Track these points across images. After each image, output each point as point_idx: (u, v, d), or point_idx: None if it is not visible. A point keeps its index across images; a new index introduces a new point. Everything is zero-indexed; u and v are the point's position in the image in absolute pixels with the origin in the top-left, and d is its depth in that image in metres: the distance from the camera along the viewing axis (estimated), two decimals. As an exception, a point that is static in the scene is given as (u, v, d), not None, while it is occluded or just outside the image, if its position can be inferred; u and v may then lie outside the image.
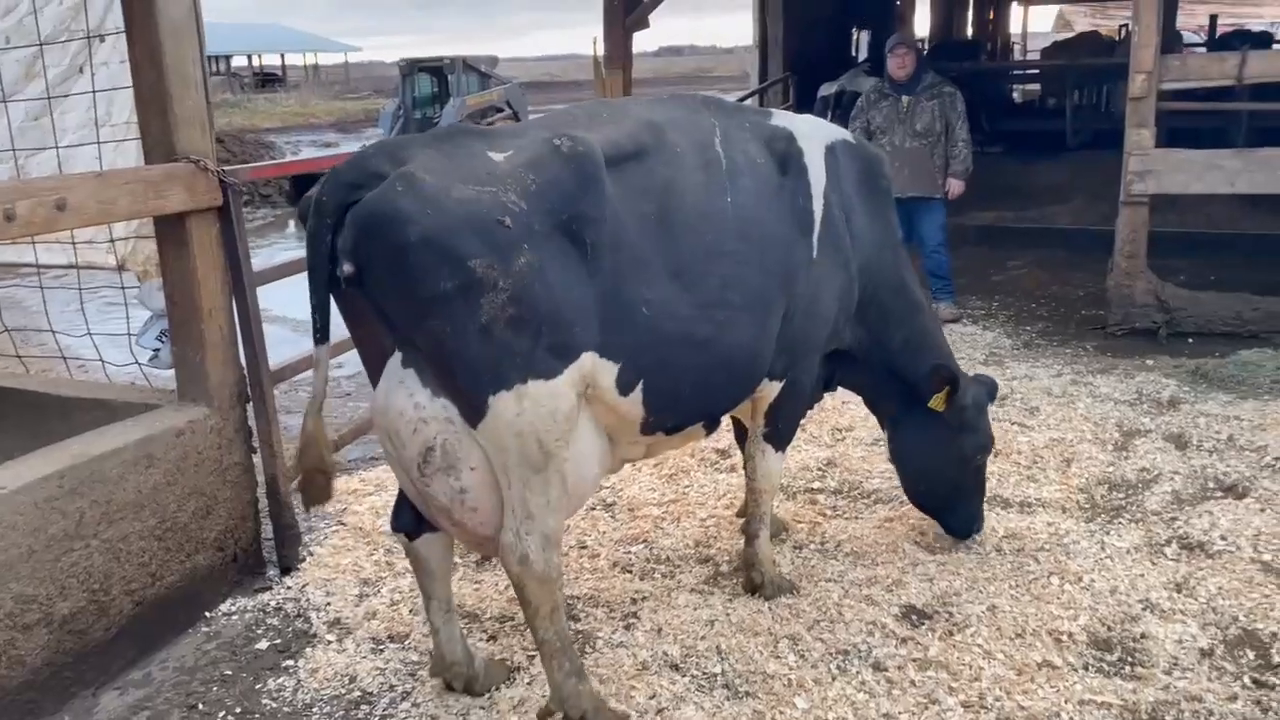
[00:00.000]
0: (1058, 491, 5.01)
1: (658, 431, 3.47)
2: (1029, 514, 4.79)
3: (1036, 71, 20.67)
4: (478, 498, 3.07)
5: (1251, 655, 3.66)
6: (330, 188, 2.88)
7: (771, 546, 4.30)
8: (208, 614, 4.22)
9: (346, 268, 2.85)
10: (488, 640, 3.95)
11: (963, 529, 4.48)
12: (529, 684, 3.65)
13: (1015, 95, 20.90)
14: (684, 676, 3.64)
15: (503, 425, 2.93)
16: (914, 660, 3.65)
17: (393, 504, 3.55)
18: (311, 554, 4.66)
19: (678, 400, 3.42)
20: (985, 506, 4.86)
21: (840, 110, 11.05)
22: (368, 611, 4.16)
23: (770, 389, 3.84)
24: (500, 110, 22.67)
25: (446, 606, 3.53)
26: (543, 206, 2.92)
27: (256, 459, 4.47)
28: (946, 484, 4.38)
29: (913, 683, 3.54)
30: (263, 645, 4.00)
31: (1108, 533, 4.57)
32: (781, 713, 3.39)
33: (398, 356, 3.04)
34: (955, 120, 8.06)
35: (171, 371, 4.36)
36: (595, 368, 3.08)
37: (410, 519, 3.41)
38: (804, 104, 11.87)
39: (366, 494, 5.30)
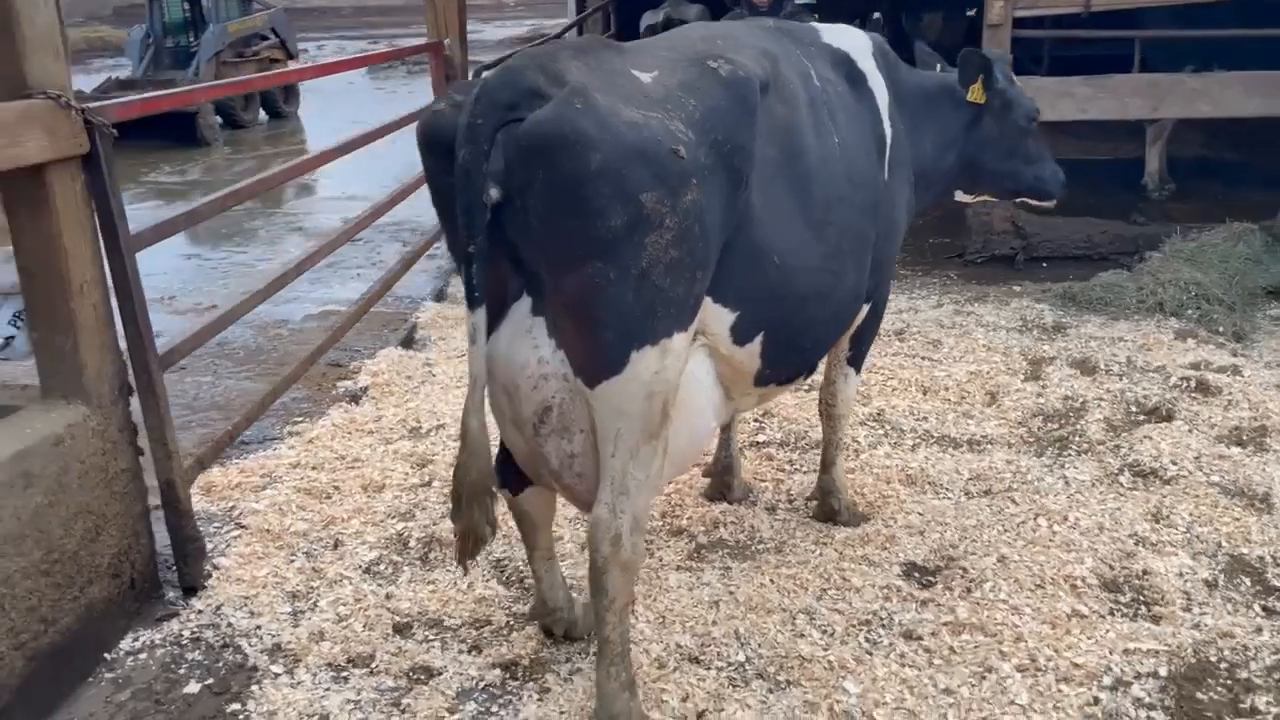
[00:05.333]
0: (998, 427, 4.95)
1: (771, 383, 3.25)
2: (982, 453, 4.69)
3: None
4: (585, 464, 2.81)
5: (1249, 582, 3.68)
6: (484, 108, 2.49)
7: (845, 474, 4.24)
8: (107, 655, 3.45)
9: (493, 193, 2.50)
10: (469, 651, 3.43)
11: (1057, 186, 4.22)
12: (540, 700, 3.18)
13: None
14: (710, 670, 3.29)
15: (636, 385, 2.63)
16: (945, 624, 3.44)
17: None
18: (216, 567, 3.92)
19: (798, 353, 3.27)
20: (939, 447, 4.77)
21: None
22: (312, 632, 3.53)
23: (860, 314, 3.70)
24: (265, 38, 20.65)
25: (549, 554, 3.36)
26: (707, 136, 2.62)
27: (143, 461, 3.69)
28: (1028, 159, 4.14)
29: (952, 650, 3.33)
30: (192, 688, 3.30)
31: (1064, 466, 4.54)
32: (838, 701, 3.09)
33: (525, 302, 2.72)
34: None
35: (27, 363, 3.50)
36: (708, 313, 2.83)
37: (514, 474, 3.13)
38: (626, 33, 11.39)
39: (257, 487, 4.56)
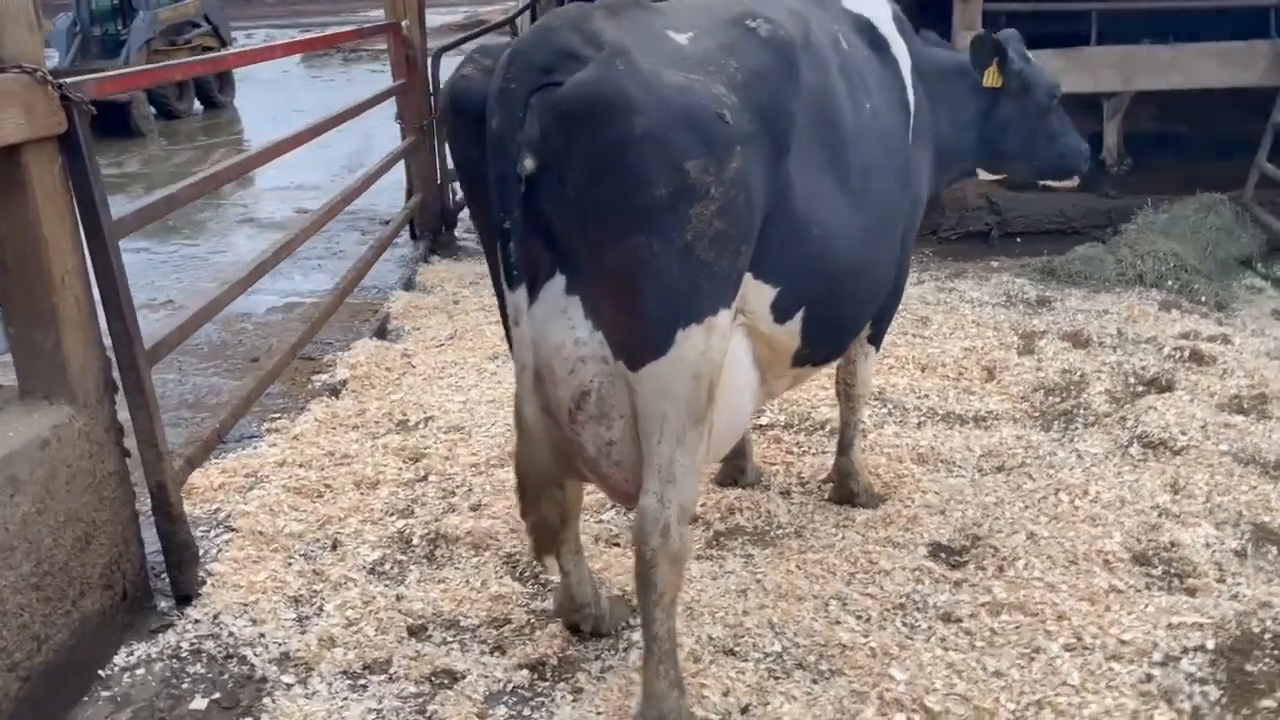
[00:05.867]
0: (1001, 402, 4.88)
1: (808, 364, 3.13)
2: (989, 428, 4.62)
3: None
4: (623, 451, 2.65)
5: (1275, 550, 3.65)
6: (517, 72, 2.35)
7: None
8: (102, 672, 3.22)
9: (528, 164, 2.34)
10: (492, 652, 3.26)
11: (1081, 159, 4.10)
12: (574, 701, 3.03)
13: None
14: (747, 662, 3.16)
15: (683, 366, 2.49)
16: (983, 605, 3.35)
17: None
18: (209, 574, 3.69)
19: (838, 331, 3.16)
20: (945, 424, 4.69)
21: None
22: (322, 638, 3.33)
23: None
24: (197, 25, 20.01)
25: (575, 548, 3.19)
26: (750, 101, 2.48)
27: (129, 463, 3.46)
28: (1051, 137, 4.00)
29: (994, 631, 3.24)
30: (198, 703, 3.09)
31: (1073, 440, 4.49)
32: (887, 689, 2.98)
33: (559, 280, 2.54)
34: None
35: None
36: (748, 290, 2.69)
37: None
38: (581, 13, 11.14)
39: (242, 488, 4.31)
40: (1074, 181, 4.16)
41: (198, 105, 19.42)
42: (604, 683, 3.10)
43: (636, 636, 3.29)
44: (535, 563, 2.80)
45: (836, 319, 3.06)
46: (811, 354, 3.05)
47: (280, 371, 4.77)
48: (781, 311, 2.82)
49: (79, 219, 3.16)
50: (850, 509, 3.98)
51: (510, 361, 5.46)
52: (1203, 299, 6.22)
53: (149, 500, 3.53)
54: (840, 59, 3.06)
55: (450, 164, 8.57)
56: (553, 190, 2.40)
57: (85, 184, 3.12)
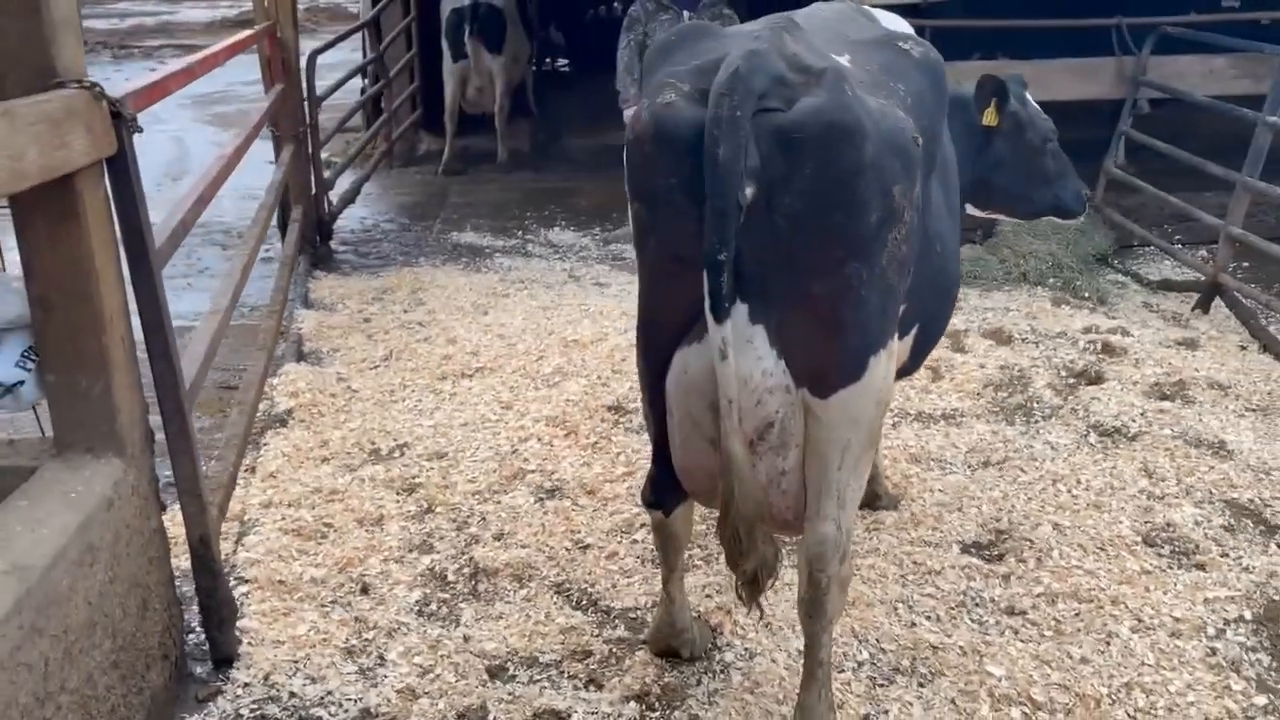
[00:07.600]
0: (961, 400, 5.14)
1: (898, 377, 3.17)
2: (962, 426, 4.87)
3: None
4: (791, 480, 2.64)
5: (1251, 524, 4.04)
6: (741, 99, 2.28)
7: None
8: (164, 755, 2.90)
9: (748, 192, 2.29)
10: (587, 687, 3.16)
11: (1076, 201, 4.17)
12: (697, 729, 2.99)
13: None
14: (845, 672, 3.21)
15: (871, 392, 2.54)
16: (1040, 596, 3.55)
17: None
18: (242, 631, 3.38)
19: (933, 343, 3.27)
20: (920, 424, 4.90)
21: (479, 25, 10.14)
22: (402, 690, 3.12)
23: None
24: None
25: (681, 575, 3.24)
26: (918, 123, 2.51)
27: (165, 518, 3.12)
28: (1045, 179, 4.07)
29: (1058, 620, 3.43)
30: (294, 778, 2.84)
31: (1039, 433, 4.79)
32: (996, 685, 3.11)
33: (741, 309, 2.43)
34: None
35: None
36: None
37: (672, 494, 2.93)
38: (428, 19, 10.80)
39: (231, 534, 3.95)
40: (1075, 220, 4.34)
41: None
42: (718, 707, 3.08)
43: (730, 657, 3.29)
44: (748, 606, 2.70)
45: (936, 332, 3.19)
46: (909, 368, 3.15)
47: (258, 404, 4.41)
48: (904, 328, 2.89)
49: (123, 250, 2.83)
50: (873, 511, 4.10)
51: (466, 382, 5.32)
52: (1086, 295, 6.78)
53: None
54: None
55: (319, 172, 8.15)
56: (758, 217, 2.36)
57: (133, 210, 2.79)
